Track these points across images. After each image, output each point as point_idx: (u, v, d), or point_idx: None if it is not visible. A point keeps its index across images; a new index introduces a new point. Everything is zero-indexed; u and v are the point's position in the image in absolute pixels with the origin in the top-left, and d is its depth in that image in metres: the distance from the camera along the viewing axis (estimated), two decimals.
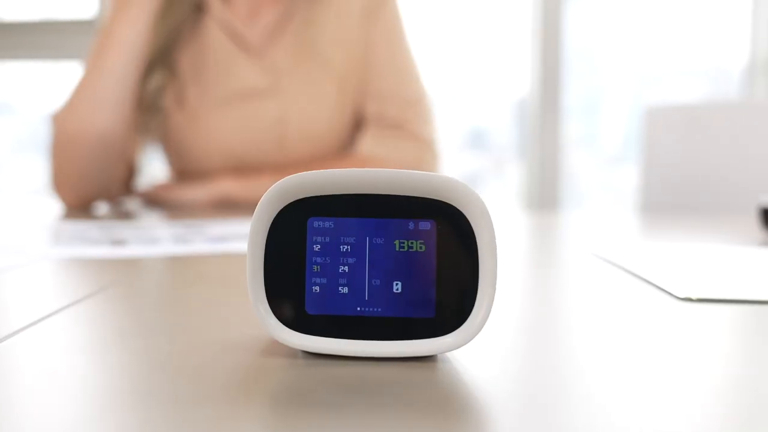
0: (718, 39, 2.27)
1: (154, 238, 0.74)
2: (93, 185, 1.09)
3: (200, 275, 0.57)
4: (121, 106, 1.07)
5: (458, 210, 0.35)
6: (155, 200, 1.16)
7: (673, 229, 0.98)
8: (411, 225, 0.35)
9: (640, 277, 0.57)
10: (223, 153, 1.15)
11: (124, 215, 1.06)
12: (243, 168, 1.15)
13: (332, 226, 0.35)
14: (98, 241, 0.72)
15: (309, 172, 0.35)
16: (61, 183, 1.10)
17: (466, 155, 2.40)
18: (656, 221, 1.07)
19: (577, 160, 2.36)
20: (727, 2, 2.23)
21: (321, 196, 0.35)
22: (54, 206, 1.13)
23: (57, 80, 2.33)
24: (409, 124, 1.13)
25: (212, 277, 0.57)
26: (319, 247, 0.35)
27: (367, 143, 1.13)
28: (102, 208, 1.14)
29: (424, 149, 1.13)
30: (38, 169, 2.55)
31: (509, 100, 2.37)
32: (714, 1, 2.25)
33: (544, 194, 2.16)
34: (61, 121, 1.08)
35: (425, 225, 0.35)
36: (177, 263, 0.62)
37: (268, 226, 0.35)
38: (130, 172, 1.15)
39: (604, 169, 2.48)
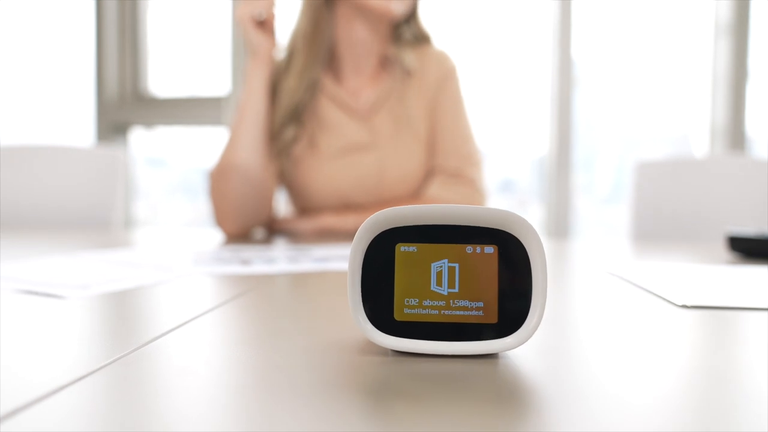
0: (685, 111, 2.22)
1: (272, 258, 0.72)
2: (245, 217, 1.10)
3: (309, 288, 0.56)
4: (256, 151, 1.09)
5: (516, 237, 0.33)
6: (276, 229, 1.16)
7: (662, 252, 0.93)
8: (478, 249, 0.32)
9: (646, 289, 0.54)
10: (333, 192, 1.16)
11: (252, 240, 1.05)
12: (346, 206, 1.16)
13: (415, 250, 0.33)
14: (229, 260, 0.71)
15: (396, 207, 0.33)
16: (221, 218, 1.11)
17: (498, 197, 2.38)
18: (647, 247, 1.02)
19: (581, 202, 2.31)
20: (691, 84, 2.17)
21: (406, 227, 0.33)
22: (207, 237, 1.12)
23: (197, 142, 2.40)
24: (466, 174, 1.14)
25: (318, 290, 0.55)
26: (404, 266, 0.32)
27: (435, 188, 1.14)
28: (257, 233, 1.13)
29: (475, 193, 1.14)
30: (186, 207, 2.61)
31: (532, 157, 2.35)
32: (680, 84, 2.20)
33: (558, 227, 2.11)
34: (216, 166, 1.11)
35: (489, 249, 0.33)
36: (290, 279, 0.60)
37: (365, 249, 0.33)
38: (270, 206, 1.15)
39: (600, 208, 2.43)
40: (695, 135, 2.19)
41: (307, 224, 1.13)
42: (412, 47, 1.21)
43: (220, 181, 1.10)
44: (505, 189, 2.46)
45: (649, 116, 2.29)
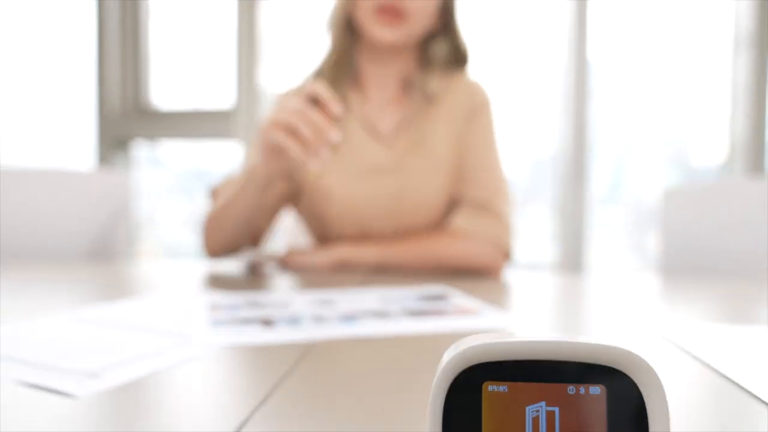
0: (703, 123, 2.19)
1: (295, 316, 0.67)
2: (233, 247, 1.09)
3: (349, 370, 0.50)
4: (243, 234, 1.08)
5: (628, 376, 0.27)
6: (288, 265, 1.10)
7: (706, 295, 0.87)
8: (582, 390, 0.27)
9: (721, 374, 0.47)
10: (350, 215, 1.11)
11: (263, 276, 1.00)
12: (363, 234, 1.12)
13: (506, 390, 0.27)
14: (249, 320, 0.65)
15: (484, 341, 0.27)
16: (211, 249, 1.09)
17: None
18: (686, 287, 0.97)
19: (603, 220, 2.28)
20: (710, 95, 2.13)
21: (495, 362, 0.27)
22: (215, 275, 1.07)
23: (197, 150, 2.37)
24: (493, 206, 1.09)
25: (362, 374, 0.49)
26: (493, 410, 0.27)
27: (461, 219, 1.09)
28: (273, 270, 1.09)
29: (501, 226, 1.08)
30: (184, 206, 2.59)
31: (532, 157, 2.32)
32: (699, 96, 2.16)
33: (573, 238, 2.05)
34: (204, 229, 1.09)
35: (595, 390, 0.27)
36: (324, 353, 0.55)
37: (446, 391, 0.27)
38: (266, 228, 1.14)
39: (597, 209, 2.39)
40: (712, 146, 2.15)
41: (324, 257, 1.08)
42: (444, 71, 1.17)
43: (214, 217, 1.07)
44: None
45: (661, 123, 2.25)
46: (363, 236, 1.12)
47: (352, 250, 1.08)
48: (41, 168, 1.32)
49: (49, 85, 2.38)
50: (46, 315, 0.68)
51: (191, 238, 2.62)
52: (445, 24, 1.16)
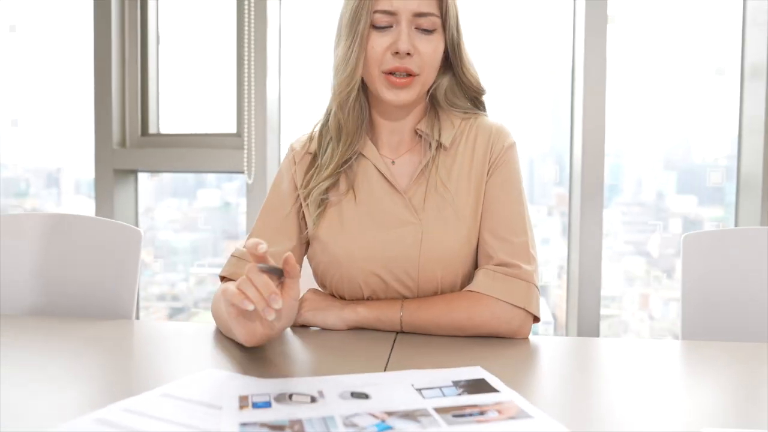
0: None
1: (327, 420, 0.63)
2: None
3: None
4: None
5: None
6: (305, 324, 1.08)
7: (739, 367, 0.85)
8: None
9: None
10: (368, 267, 1.07)
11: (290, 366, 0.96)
12: (380, 284, 1.08)
13: None
14: (279, 424, 0.62)
15: None
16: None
17: None
18: (715, 355, 0.94)
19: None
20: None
21: None
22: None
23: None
24: (520, 267, 1.04)
25: None
26: None
27: (481, 280, 1.05)
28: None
29: (529, 289, 1.03)
30: (178, 211, 2.53)
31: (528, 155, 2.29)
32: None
33: (588, 282, 2.00)
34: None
35: None
36: None
37: None
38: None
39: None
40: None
41: (338, 319, 1.05)
42: (460, 112, 1.14)
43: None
44: None
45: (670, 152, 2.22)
46: (381, 289, 1.08)
47: (372, 311, 1.05)
48: (44, 212, 1.28)
49: (50, 113, 2.36)
50: (65, 417, 0.64)
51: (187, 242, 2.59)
52: (452, 62, 1.12)
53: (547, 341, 1.02)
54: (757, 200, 1.88)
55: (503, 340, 1.01)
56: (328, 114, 1.14)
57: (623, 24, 2.01)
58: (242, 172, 2.02)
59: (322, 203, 1.10)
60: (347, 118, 1.09)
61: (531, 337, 1.04)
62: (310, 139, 1.17)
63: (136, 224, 2.20)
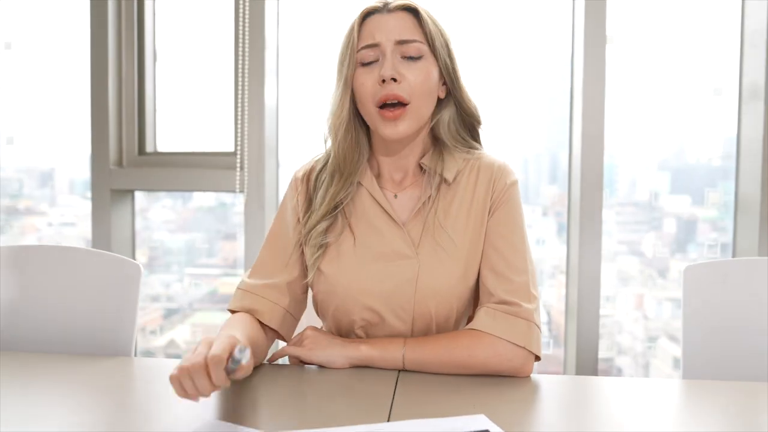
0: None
1: None
2: None
3: None
4: None
5: None
6: (301, 360, 1.07)
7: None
8: None
9: None
10: (364, 299, 1.08)
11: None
12: (377, 318, 1.08)
13: None
14: None
15: None
16: None
17: None
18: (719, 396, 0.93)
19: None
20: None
21: None
22: None
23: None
24: (515, 301, 1.05)
25: None
26: None
27: (482, 318, 1.05)
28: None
29: (525, 324, 1.03)
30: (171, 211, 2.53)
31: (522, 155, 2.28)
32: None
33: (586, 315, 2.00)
34: None
35: None
36: None
37: None
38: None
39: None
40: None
41: (341, 357, 1.05)
42: (460, 145, 1.14)
43: None
44: None
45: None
46: (376, 322, 1.08)
47: (375, 349, 1.05)
48: (42, 245, 1.28)
49: (48, 133, 2.35)
50: None
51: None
52: (450, 89, 1.12)
53: (548, 381, 1.02)
54: (755, 222, 1.88)
55: (505, 380, 1.01)
56: (327, 155, 1.15)
57: (621, 44, 2.01)
58: (240, 191, 2.01)
59: (320, 248, 1.10)
60: (343, 156, 1.11)
61: (532, 374, 1.04)
62: (312, 170, 1.17)
63: (133, 245, 2.19)
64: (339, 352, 1.06)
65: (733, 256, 1.98)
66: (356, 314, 1.08)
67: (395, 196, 1.13)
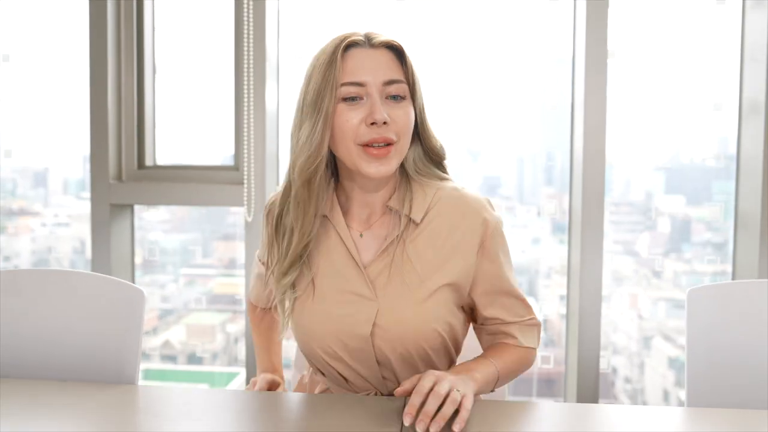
0: None
1: None
2: None
3: None
4: None
5: None
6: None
7: None
8: None
9: None
10: (324, 341, 1.08)
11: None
12: (346, 353, 1.09)
13: None
14: None
15: None
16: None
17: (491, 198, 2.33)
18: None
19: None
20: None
21: None
22: None
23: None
24: (529, 315, 1.16)
25: None
26: None
27: (517, 334, 1.15)
28: None
29: (537, 329, 1.18)
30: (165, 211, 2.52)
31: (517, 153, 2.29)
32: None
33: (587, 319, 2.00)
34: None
35: None
36: None
37: None
38: None
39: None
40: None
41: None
42: (436, 183, 1.11)
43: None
44: (490, 190, 2.35)
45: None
46: (342, 367, 1.09)
47: (480, 373, 1.04)
48: (44, 269, 1.27)
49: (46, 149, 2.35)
50: None
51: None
52: (419, 129, 1.10)
53: (553, 409, 1.03)
54: (755, 239, 1.88)
55: (509, 406, 1.04)
56: (286, 196, 1.10)
57: (623, 59, 2.01)
58: (242, 205, 2.01)
59: (290, 302, 1.11)
60: (310, 196, 1.05)
61: (535, 402, 1.08)
62: (271, 210, 1.14)
63: (133, 259, 2.19)
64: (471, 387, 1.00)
65: (733, 274, 1.98)
66: (320, 355, 1.09)
67: (360, 235, 1.10)
